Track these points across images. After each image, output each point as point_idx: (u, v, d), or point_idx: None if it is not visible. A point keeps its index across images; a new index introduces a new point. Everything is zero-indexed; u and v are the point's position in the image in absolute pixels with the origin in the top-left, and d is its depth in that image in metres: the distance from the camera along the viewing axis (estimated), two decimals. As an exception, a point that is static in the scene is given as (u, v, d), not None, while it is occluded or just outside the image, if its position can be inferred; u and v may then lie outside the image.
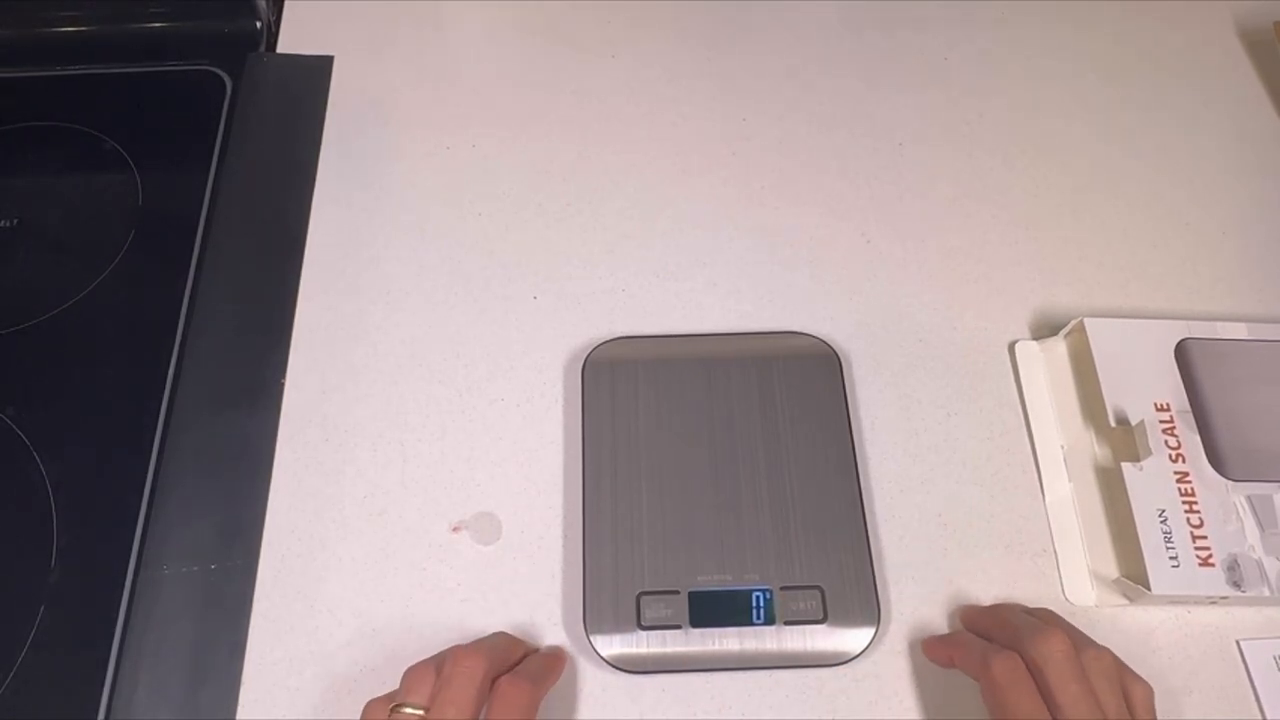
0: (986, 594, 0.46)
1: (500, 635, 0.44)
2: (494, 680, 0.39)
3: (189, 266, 0.55)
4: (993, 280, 0.55)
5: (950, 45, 0.65)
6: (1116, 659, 0.39)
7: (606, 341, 0.51)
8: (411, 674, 0.39)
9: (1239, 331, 0.51)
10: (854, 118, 0.61)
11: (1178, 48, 0.66)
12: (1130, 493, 0.46)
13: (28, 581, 0.46)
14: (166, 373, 0.51)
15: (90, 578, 0.46)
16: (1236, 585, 0.44)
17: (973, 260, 0.56)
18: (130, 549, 0.46)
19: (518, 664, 0.41)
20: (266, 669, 0.44)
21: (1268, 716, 0.43)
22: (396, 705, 0.37)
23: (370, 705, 0.39)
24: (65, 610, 0.45)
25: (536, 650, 0.44)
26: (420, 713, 0.37)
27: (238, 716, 0.43)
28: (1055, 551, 0.47)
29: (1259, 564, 0.44)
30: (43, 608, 0.45)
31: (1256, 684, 0.44)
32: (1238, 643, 0.45)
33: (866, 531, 0.46)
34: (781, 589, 0.45)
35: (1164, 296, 0.55)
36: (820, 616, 0.44)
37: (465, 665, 0.38)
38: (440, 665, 0.38)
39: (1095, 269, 0.56)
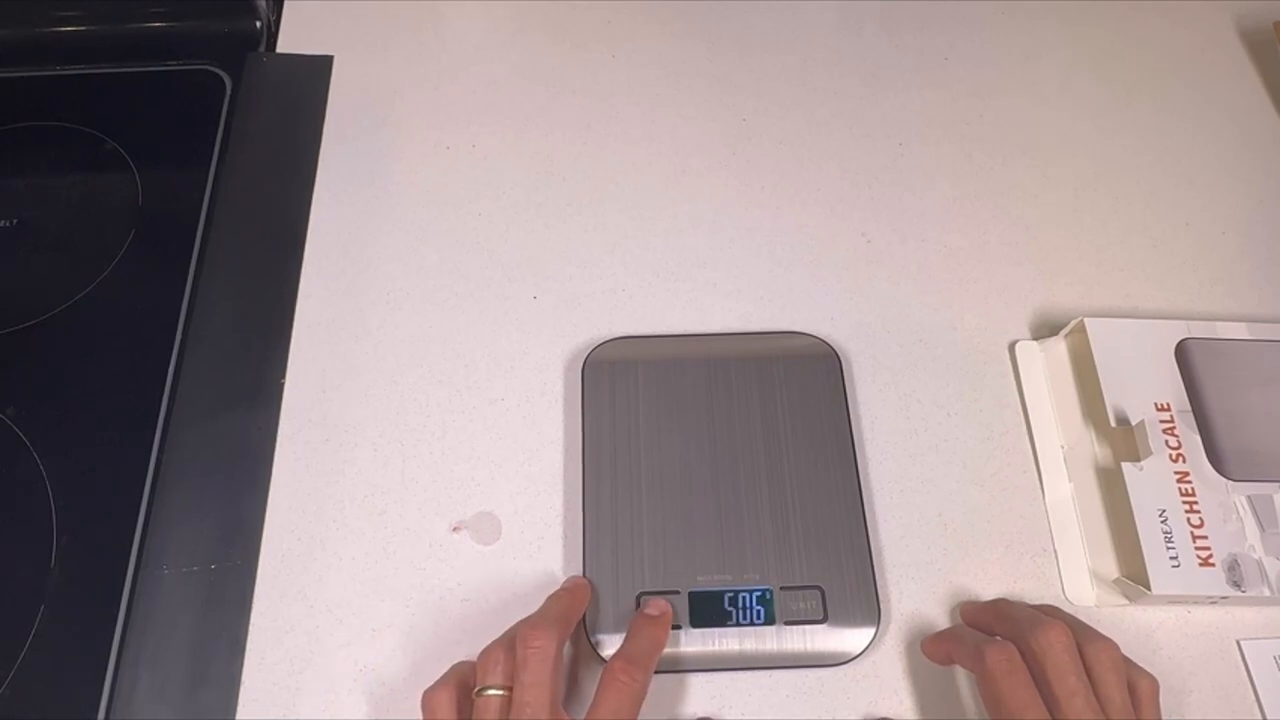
0: (986, 593, 0.46)
1: (559, 601, 0.43)
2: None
3: (189, 266, 0.55)
4: (993, 280, 0.55)
5: (950, 45, 0.65)
6: (1121, 652, 0.39)
7: (606, 341, 0.51)
8: (486, 656, 0.39)
9: (1239, 331, 0.51)
10: (854, 118, 0.61)
11: (1178, 48, 0.66)
12: (1130, 493, 0.46)
13: (28, 581, 0.46)
14: (166, 373, 0.51)
15: (90, 578, 0.46)
16: (1237, 585, 0.44)
17: (973, 260, 0.56)
18: (130, 549, 0.46)
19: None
20: (266, 669, 0.44)
21: (1268, 717, 0.43)
22: (480, 689, 0.38)
23: (430, 695, 0.39)
24: (65, 610, 0.45)
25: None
26: (504, 693, 0.38)
27: (238, 716, 0.43)
28: (1055, 551, 0.47)
29: (1259, 564, 0.44)
30: (43, 608, 0.45)
31: (1257, 684, 0.44)
32: (1238, 643, 0.45)
33: (866, 531, 0.46)
34: (781, 589, 0.45)
35: (1164, 297, 0.55)
36: (820, 616, 0.44)
37: (537, 644, 0.38)
38: (512, 644, 0.39)
39: (1095, 269, 0.56)
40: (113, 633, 0.44)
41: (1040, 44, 0.65)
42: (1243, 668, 0.45)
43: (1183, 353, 0.50)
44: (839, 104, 0.62)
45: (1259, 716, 0.44)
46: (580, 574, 0.45)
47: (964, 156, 0.60)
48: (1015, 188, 0.59)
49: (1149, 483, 0.46)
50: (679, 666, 0.43)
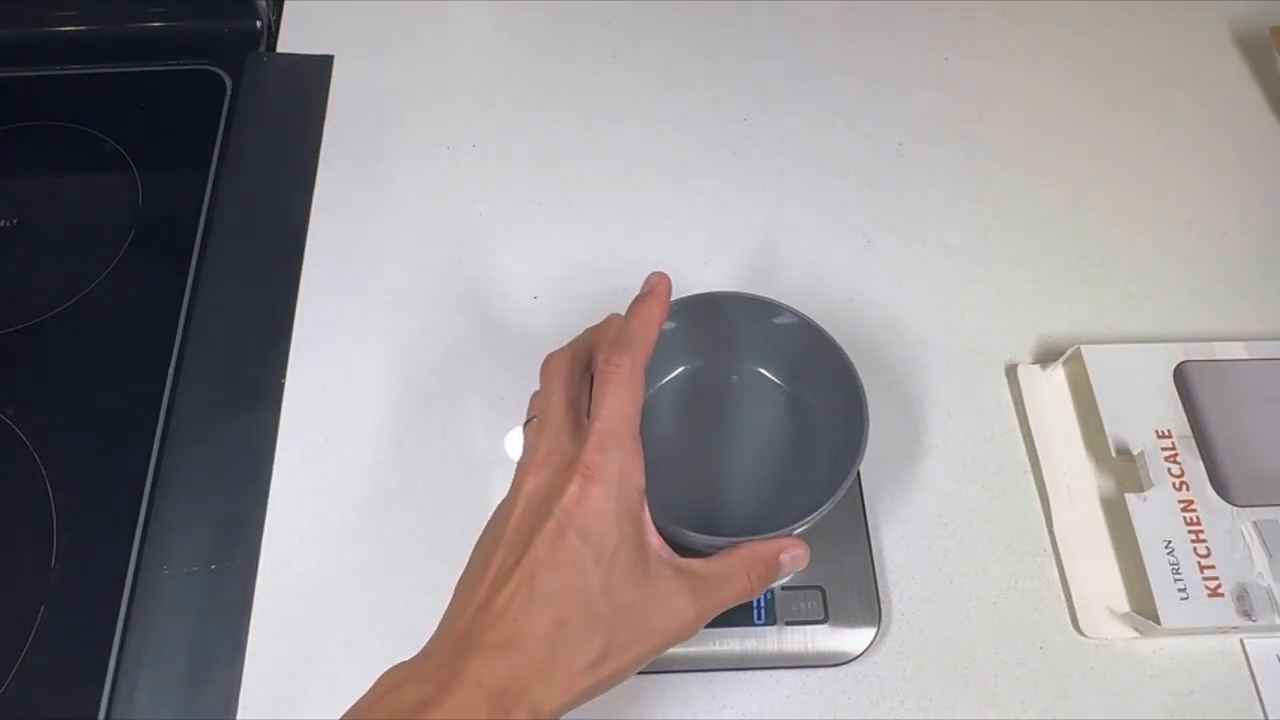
0: (986, 593, 0.46)
1: (637, 315, 0.39)
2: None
3: (189, 266, 0.55)
4: (993, 280, 0.55)
5: (950, 45, 0.65)
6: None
7: (607, 341, 0.51)
8: (533, 399, 0.40)
9: (1237, 351, 0.50)
10: (854, 118, 0.61)
11: (1174, 52, 0.66)
12: (1135, 524, 0.45)
13: (28, 581, 0.46)
14: (166, 373, 0.51)
15: (90, 578, 0.46)
16: (1247, 615, 0.43)
17: (973, 260, 0.56)
18: (130, 549, 0.46)
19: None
20: (266, 669, 0.44)
21: (1270, 716, 0.43)
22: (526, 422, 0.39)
23: (552, 357, 0.40)
24: (65, 610, 0.45)
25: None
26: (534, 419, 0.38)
27: (238, 717, 0.43)
28: (1066, 583, 0.46)
29: (1268, 591, 0.44)
30: (43, 608, 0.45)
31: (1259, 682, 0.44)
32: (1241, 641, 0.45)
33: (867, 531, 0.46)
34: (782, 589, 0.44)
35: (1164, 295, 0.55)
36: (821, 616, 0.44)
37: (549, 365, 0.39)
38: (574, 364, 0.39)
39: (1096, 269, 0.56)
40: (113, 633, 0.44)
41: (1040, 45, 0.65)
42: (1245, 666, 0.45)
43: (1181, 376, 0.49)
44: (839, 104, 0.62)
45: (1261, 715, 0.44)
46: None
47: (964, 157, 0.60)
48: (1015, 188, 0.59)
49: (1153, 513, 0.45)
50: (680, 666, 0.43)
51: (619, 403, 0.36)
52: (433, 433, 0.50)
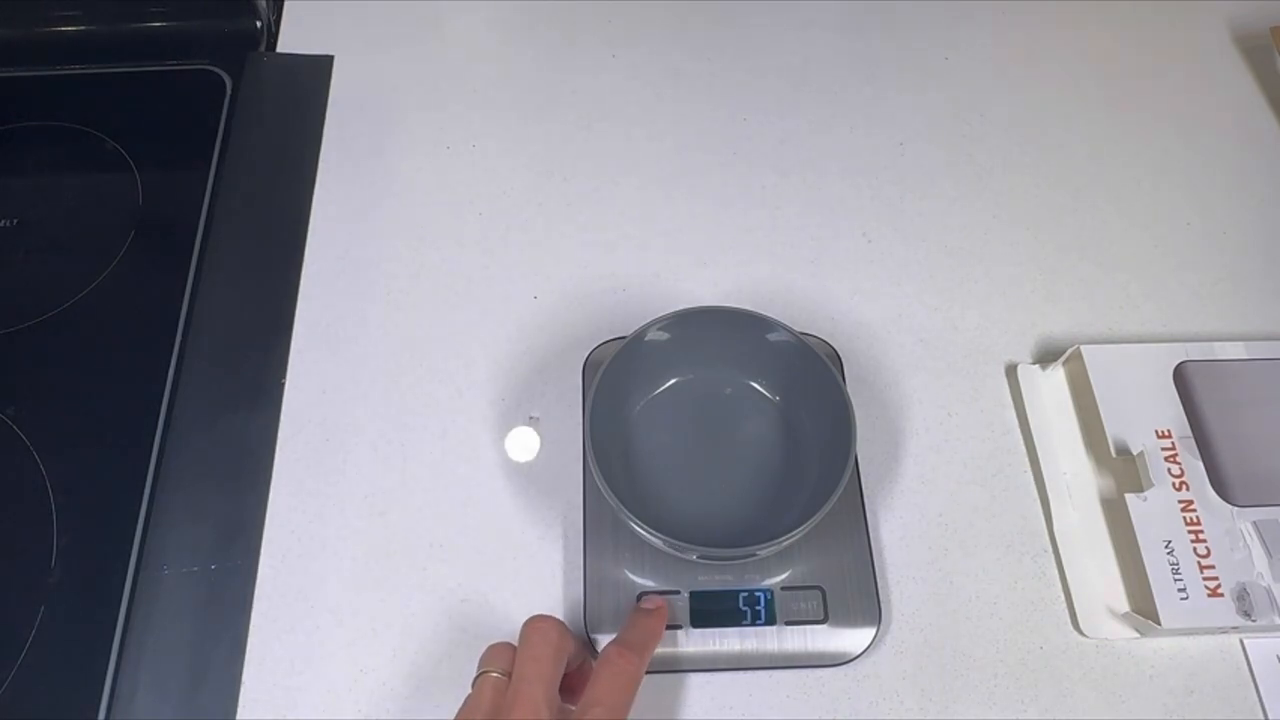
0: (986, 593, 0.46)
1: (642, 626, 0.42)
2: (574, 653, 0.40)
3: (189, 266, 0.55)
4: (993, 280, 0.55)
5: (950, 45, 0.65)
6: None
7: (606, 341, 0.51)
8: (490, 649, 0.40)
9: (1237, 351, 0.50)
10: (854, 118, 0.61)
11: (1174, 51, 0.66)
12: (1135, 524, 0.45)
13: (28, 581, 0.46)
14: (166, 373, 0.51)
15: (90, 578, 0.46)
16: (1247, 615, 0.43)
17: (973, 260, 0.56)
18: (130, 549, 0.46)
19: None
20: (266, 669, 0.44)
21: (1270, 716, 0.43)
22: (481, 673, 0.38)
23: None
24: (65, 610, 0.45)
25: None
26: (499, 675, 0.38)
27: (238, 716, 0.43)
28: (1066, 583, 0.46)
29: (1268, 591, 0.44)
30: (43, 608, 0.45)
31: (1259, 682, 0.44)
32: (1241, 641, 0.45)
33: (867, 531, 0.46)
34: (782, 589, 0.44)
35: (1164, 295, 0.55)
36: (821, 617, 0.44)
37: (540, 625, 0.39)
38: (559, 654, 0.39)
39: (1096, 268, 0.56)
40: (113, 633, 0.44)
41: (1040, 45, 0.65)
42: (1245, 666, 0.45)
43: (1181, 376, 0.49)
44: (839, 104, 0.62)
45: (1261, 715, 0.44)
46: (581, 574, 0.45)
47: (964, 156, 0.60)
48: (1015, 187, 0.59)
49: (1153, 513, 0.45)
50: (680, 666, 0.43)
51: (625, 696, 0.38)
52: (433, 433, 0.50)
